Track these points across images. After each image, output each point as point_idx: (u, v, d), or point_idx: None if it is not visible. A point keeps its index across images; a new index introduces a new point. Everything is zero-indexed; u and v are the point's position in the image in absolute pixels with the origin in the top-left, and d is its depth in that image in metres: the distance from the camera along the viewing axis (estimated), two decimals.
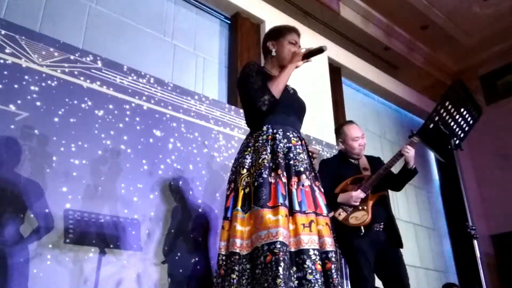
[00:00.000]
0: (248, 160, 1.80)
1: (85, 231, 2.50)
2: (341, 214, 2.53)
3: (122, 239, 2.61)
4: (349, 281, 3.88)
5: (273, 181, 1.71)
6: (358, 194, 2.51)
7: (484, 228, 6.16)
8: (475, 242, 2.01)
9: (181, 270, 2.80)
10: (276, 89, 1.81)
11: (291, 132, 1.86)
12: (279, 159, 1.74)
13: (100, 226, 2.56)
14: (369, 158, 2.75)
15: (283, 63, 1.97)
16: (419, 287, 5.22)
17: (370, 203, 2.51)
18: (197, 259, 2.90)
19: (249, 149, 1.83)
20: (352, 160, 2.70)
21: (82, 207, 2.52)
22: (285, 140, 1.81)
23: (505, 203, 6.13)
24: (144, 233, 2.72)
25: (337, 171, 2.63)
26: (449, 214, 6.22)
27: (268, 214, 1.62)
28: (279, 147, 1.78)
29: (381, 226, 2.53)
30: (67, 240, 2.41)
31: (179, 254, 2.83)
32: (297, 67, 1.90)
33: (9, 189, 2.31)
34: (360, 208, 2.50)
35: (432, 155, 6.43)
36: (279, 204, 1.64)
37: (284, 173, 1.73)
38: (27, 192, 2.36)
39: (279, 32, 2.06)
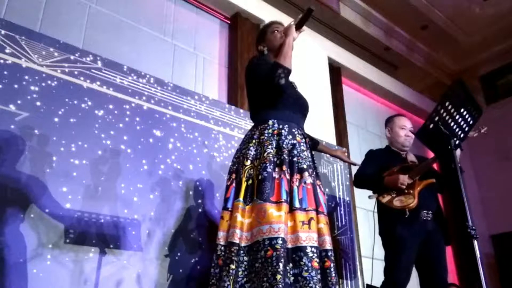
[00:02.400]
0: (252, 152, 1.80)
1: (85, 231, 2.49)
2: (386, 197, 2.50)
3: (122, 239, 2.61)
4: (349, 280, 3.89)
5: (277, 176, 1.71)
6: (405, 177, 2.47)
7: (484, 228, 6.16)
8: (475, 242, 2.00)
9: (181, 270, 2.80)
10: (285, 61, 1.83)
11: (296, 129, 1.87)
12: (284, 155, 1.75)
13: (100, 226, 2.56)
14: (418, 156, 2.76)
15: (276, 49, 2.00)
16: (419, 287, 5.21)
17: (417, 189, 2.47)
18: (197, 259, 2.90)
19: (253, 141, 1.83)
20: (400, 152, 2.70)
21: (82, 207, 2.52)
22: (290, 137, 1.82)
23: (505, 203, 6.12)
24: (144, 233, 2.72)
25: (384, 160, 2.63)
26: (449, 214, 6.21)
27: (271, 209, 1.63)
28: (285, 143, 1.78)
29: (430, 215, 2.48)
30: (67, 240, 2.41)
31: (179, 254, 2.83)
32: (294, 39, 1.93)
33: (9, 189, 2.31)
34: (406, 192, 2.46)
35: (432, 155, 6.42)
36: (282, 200, 1.65)
37: (288, 170, 1.73)
38: (27, 192, 2.36)
39: (262, 33, 2.15)
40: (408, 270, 2.38)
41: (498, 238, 6.16)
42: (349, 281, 3.90)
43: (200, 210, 3.06)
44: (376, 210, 2.64)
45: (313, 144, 2.19)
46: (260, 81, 1.88)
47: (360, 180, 2.66)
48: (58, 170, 2.51)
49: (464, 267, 5.77)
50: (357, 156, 3.01)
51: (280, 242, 1.55)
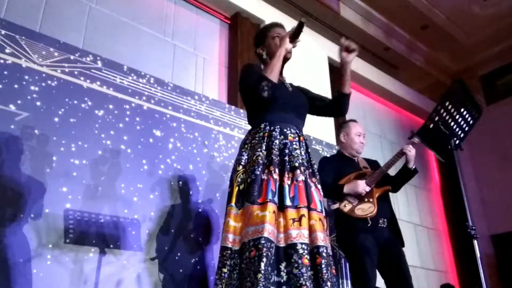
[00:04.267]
0: (244, 157, 1.83)
1: (85, 231, 2.49)
2: (347, 206, 2.52)
3: (122, 239, 2.61)
4: (349, 280, 3.88)
5: (265, 177, 1.72)
6: (365, 184, 2.51)
7: (484, 228, 6.16)
8: (475, 242, 2.00)
9: (181, 270, 2.80)
10: (270, 74, 1.82)
11: (288, 128, 1.87)
12: (273, 156, 1.76)
13: (100, 226, 2.56)
14: (367, 160, 2.81)
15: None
16: (419, 287, 5.21)
17: (376, 196, 2.52)
18: (197, 259, 2.90)
19: (246, 146, 1.86)
20: (353, 158, 2.75)
21: (82, 207, 2.52)
22: (282, 137, 1.83)
23: (505, 203, 6.13)
24: (144, 233, 2.72)
25: (338, 167, 2.66)
26: (449, 214, 6.22)
27: (256, 211, 1.64)
28: (274, 143, 1.79)
29: (385, 223, 2.54)
30: (67, 240, 2.41)
31: (179, 254, 2.83)
32: (288, 51, 1.90)
33: (9, 189, 2.31)
34: (366, 200, 2.50)
35: (432, 155, 6.43)
36: (268, 200, 1.65)
37: (276, 170, 1.74)
38: (28, 192, 2.36)
39: (261, 35, 2.11)
40: (375, 277, 2.43)
41: (498, 238, 6.16)
42: (349, 281, 3.90)
43: (200, 210, 3.06)
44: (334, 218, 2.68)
45: (340, 93, 2.13)
46: (246, 90, 1.91)
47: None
48: (58, 170, 2.51)
49: (464, 267, 5.76)
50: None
51: (262, 241, 1.56)
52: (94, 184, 2.62)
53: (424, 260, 5.53)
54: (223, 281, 1.59)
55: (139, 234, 2.69)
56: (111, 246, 2.55)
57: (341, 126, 2.88)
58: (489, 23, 5.81)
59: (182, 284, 2.77)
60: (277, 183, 1.72)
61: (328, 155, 3.17)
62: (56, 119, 2.60)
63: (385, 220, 2.55)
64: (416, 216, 5.75)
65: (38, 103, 2.55)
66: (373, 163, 2.79)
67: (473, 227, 2.02)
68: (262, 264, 1.51)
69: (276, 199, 1.68)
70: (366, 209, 2.47)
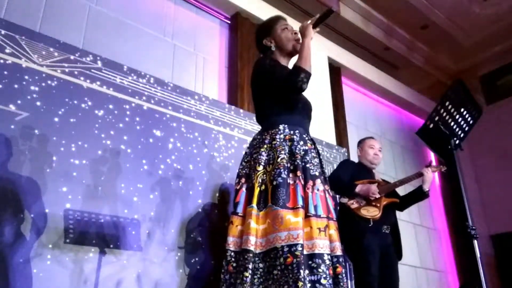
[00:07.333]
0: (264, 157, 1.77)
1: (85, 231, 2.49)
2: (354, 204, 2.74)
3: (122, 239, 2.61)
4: (351, 281, 3.88)
5: (291, 182, 1.70)
6: (376, 188, 2.73)
7: (484, 228, 6.16)
8: (475, 242, 2.01)
9: (181, 270, 2.80)
10: (306, 64, 1.80)
11: (306, 134, 1.86)
12: (298, 161, 1.74)
13: (100, 226, 2.56)
14: (383, 179, 3.06)
15: (287, 49, 1.99)
16: (419, 287, 5.21)
17: (383, 203, 2.75)
18: (197, 259, 2.90)
19: (265, 146, 1.80)
20: (370, 168, 3.01)
21: (82, 207, 2.52)
22: (302, 142, 1.80)
23: (505, 203, 6.12)
24: (144, 233, 2.72)
25: (355, 171, 2.93)
26: (449, 214, 6.22)
27: (288, 215, 1.61)
28: (297, 148, 1.77)
29: (388, 230, 2.74)
30: (67, 240, 2.41)
31: (179, 254, 2.83)
32: (311, 39, 1.92)
33: (9, 189, 2.31)
34: (373, 204, 2.73)
35: (432, 155, 6.43)
36: (299, 206, 1.64)
37: (302, 175, 1.72)
38: (27, 192, 2.36)
39: (268, 27, 2.07)
40: (377, 277, 2.56)
41: (498, 238, 6.16)
42: (349, 281, 3.90)
43: (200, 210, 3.06)
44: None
45: None
46: (278, 84, 1.83)
47: (334, 183, 2.81)
48: (58, 170, 2.50)
49: (464, 267, 5.76)
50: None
51: (299, 248, 1.55)
52: (94, 184, 2.62)
53: (424, 260, 5.53)
54: (245, 285, 1.55)
55: (139, 234, 2.69)
56: (111, 246, 2.55)
57: (359, 142, 3.18)
58: (489, 23, 5.80)
59: (182, 284, 2.77)
60: (303, 190, 1.71)
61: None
62: (56, 119, 2.60)
63: (389, 227, 2.75)
64: (416, 216, 5.75)
65: (38, 103, 2.55)
66: (387, 182, 3.02)
67: (473, 227, 2.02)
68: (302, 272, 1.50)
69: (304, 205, 1.67)
70: (371, 211, 2.68)
